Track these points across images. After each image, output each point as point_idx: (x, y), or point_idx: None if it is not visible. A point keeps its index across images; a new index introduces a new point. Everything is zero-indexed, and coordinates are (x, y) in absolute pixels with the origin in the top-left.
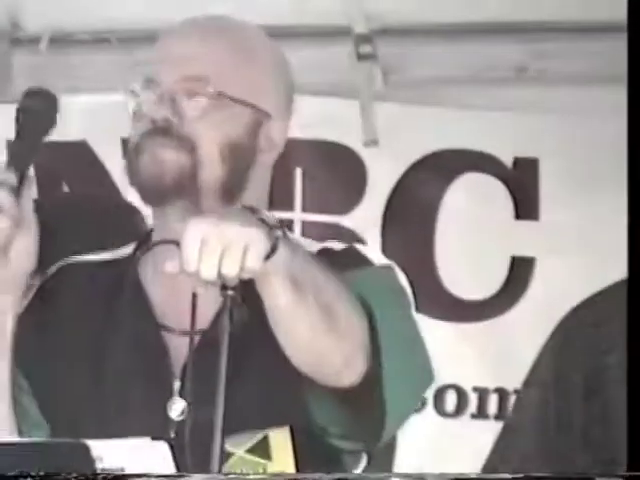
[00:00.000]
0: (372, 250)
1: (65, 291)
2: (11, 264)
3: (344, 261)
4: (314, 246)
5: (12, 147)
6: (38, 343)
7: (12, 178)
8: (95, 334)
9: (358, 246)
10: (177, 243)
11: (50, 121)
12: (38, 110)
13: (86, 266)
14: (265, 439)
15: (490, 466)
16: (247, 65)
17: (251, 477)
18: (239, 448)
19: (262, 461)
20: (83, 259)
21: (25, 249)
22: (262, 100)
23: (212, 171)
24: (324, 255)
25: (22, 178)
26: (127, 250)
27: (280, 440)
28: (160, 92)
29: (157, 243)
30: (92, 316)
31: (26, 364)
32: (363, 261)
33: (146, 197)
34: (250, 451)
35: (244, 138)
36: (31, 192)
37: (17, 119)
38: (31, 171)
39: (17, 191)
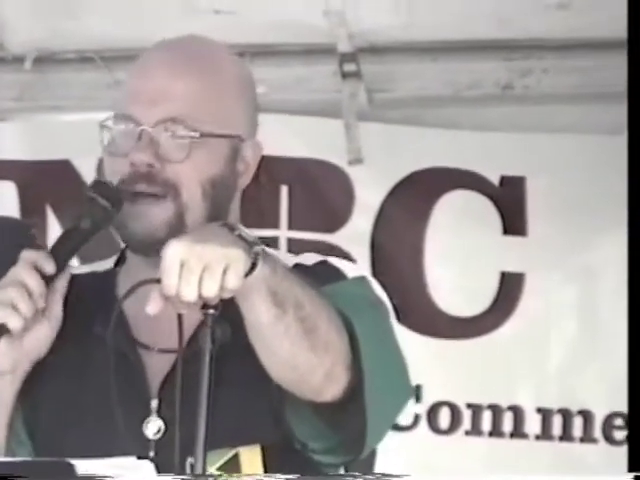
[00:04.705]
0: (345, 262)
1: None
2: (22, 349)
3: (317, 275)
4: (288, 260)
5: (64, 236)
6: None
7: (51, 266)
8: (77, 348)
9: (330, 259)
10: (158, 280)
11: (106, 222)
12: (102, 207)
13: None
14: (236, 457)
15: None
16: (219, 95)
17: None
18: (210, 466)
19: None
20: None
21: (41, 339)
22: (235, 126)
23: (197, 211)
24: (297, 270)
25: (60, 270)
26: (108, 264)
27: (250, 457)
28: (139, 132)
29: (140, 284)
30: (75, 330)
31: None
32: (336, 274)
33: (136, 250)
34: (220, 469)
35: (224, 169)
36: (64, 287)
37: (85, 207)
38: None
39: (51, 281)
